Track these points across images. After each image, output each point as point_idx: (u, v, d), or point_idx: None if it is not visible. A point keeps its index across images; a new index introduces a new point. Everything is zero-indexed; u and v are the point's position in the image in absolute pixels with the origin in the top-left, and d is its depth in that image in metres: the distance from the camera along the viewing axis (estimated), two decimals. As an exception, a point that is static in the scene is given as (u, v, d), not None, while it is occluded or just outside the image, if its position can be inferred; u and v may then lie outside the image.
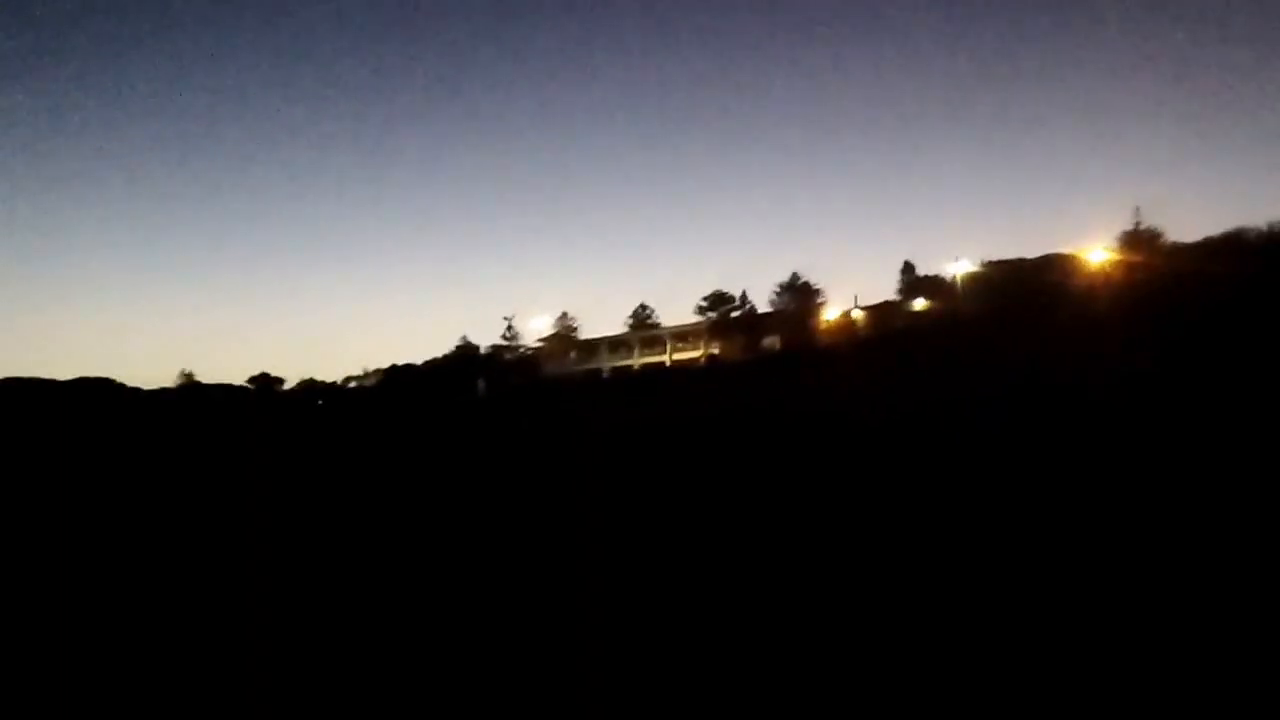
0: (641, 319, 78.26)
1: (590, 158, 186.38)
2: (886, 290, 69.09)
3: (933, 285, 61.93)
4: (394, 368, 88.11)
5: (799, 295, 64.57)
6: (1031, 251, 56.94)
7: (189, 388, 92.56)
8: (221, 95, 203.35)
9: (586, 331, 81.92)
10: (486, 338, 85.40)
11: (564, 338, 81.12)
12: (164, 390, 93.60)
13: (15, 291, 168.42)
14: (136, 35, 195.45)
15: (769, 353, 60.13)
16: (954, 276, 59.87)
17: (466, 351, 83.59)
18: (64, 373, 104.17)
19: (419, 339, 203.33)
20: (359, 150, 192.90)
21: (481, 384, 78.13)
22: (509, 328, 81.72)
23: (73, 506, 26.89)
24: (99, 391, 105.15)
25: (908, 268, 64.90)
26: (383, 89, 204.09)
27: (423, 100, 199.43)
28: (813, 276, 65.56)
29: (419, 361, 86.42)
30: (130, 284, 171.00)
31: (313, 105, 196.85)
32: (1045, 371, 20.90)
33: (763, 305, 67.33)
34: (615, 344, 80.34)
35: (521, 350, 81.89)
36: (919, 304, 61.59)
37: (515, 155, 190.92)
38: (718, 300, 68.37)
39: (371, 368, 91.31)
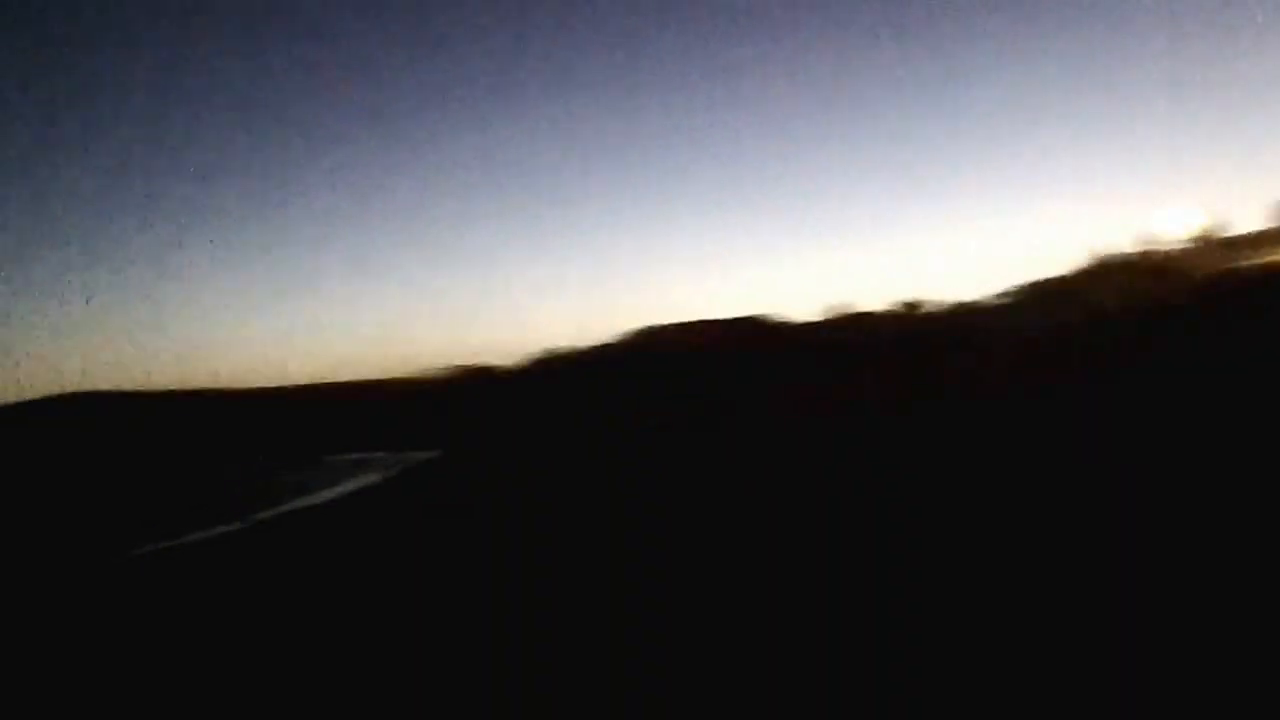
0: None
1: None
2: None
3: None
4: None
5: None
6: None
7: (838, 317, 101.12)
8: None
9: None
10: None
11: None
12: (813, 322, 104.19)
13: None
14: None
15: None
16: None
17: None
18: (723, 312, 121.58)
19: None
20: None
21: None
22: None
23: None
24: (752, 327, 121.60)
25: None
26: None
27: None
28: None
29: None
30: (791, 220, 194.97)
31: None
32: None
33: None
34: None
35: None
36: None
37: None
38: None
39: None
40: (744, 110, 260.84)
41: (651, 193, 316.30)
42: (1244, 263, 70.84)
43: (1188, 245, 76.10)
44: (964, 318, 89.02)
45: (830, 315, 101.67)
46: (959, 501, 12.25)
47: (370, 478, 49.89)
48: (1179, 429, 14.26)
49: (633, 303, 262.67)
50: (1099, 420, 17.03)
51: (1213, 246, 73.60)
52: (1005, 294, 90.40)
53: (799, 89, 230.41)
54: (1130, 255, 79.03)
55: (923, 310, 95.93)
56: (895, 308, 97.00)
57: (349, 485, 45.54)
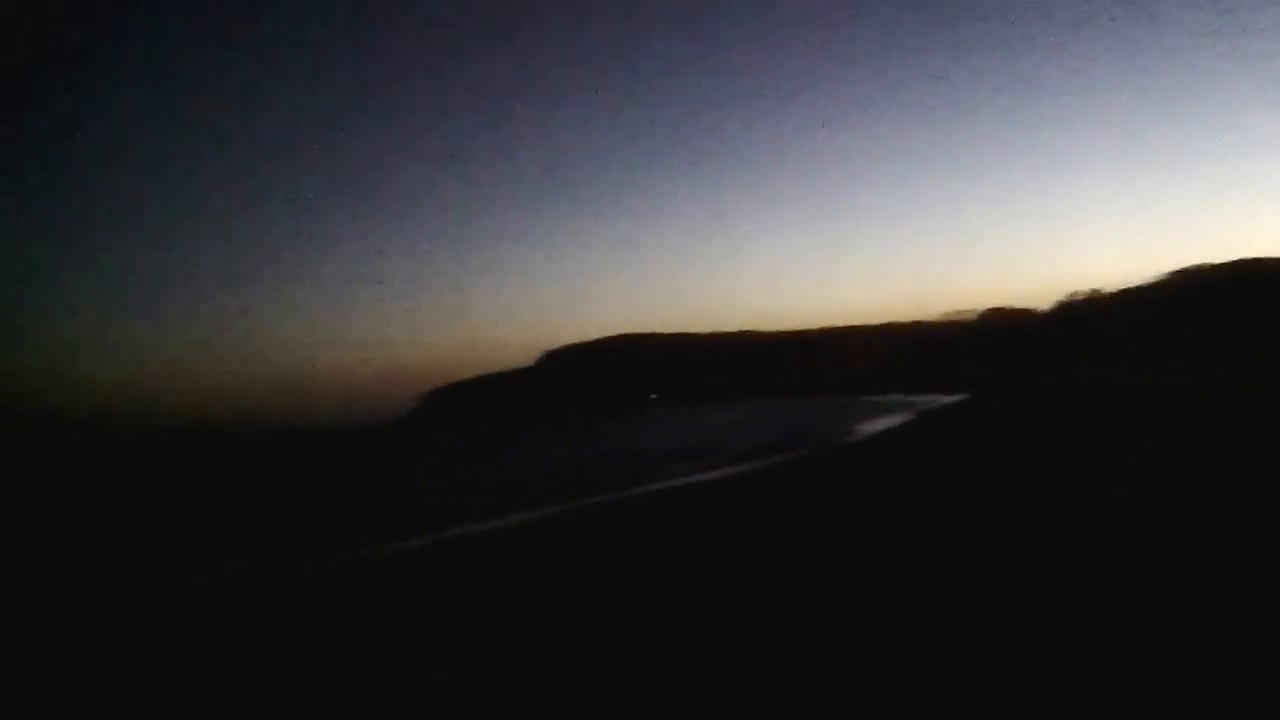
0: None
1: None
2: None
3: None
4: None
5: None
6: None
7: None
8: None
9: None
10: None
11: None
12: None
13: None
14: None
15: None
16: None
17: None
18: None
19: None
20: None
21: None
22: None
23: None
24: None
25: None
26: None
27: None
28: None
29: None
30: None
31: None
32: None
33: None
34: None
35: None
36: None
37: None
38: None
39: None
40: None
41: (1209, 122, 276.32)
42: None
43: None
44: None
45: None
46: None
47: (895, 420, 49.97)
48: None
49: (1181, 239, 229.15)
50: None
51: None
52: None
53: None
54: None
55: None
56: None
57: (875, 426, 46.03)
